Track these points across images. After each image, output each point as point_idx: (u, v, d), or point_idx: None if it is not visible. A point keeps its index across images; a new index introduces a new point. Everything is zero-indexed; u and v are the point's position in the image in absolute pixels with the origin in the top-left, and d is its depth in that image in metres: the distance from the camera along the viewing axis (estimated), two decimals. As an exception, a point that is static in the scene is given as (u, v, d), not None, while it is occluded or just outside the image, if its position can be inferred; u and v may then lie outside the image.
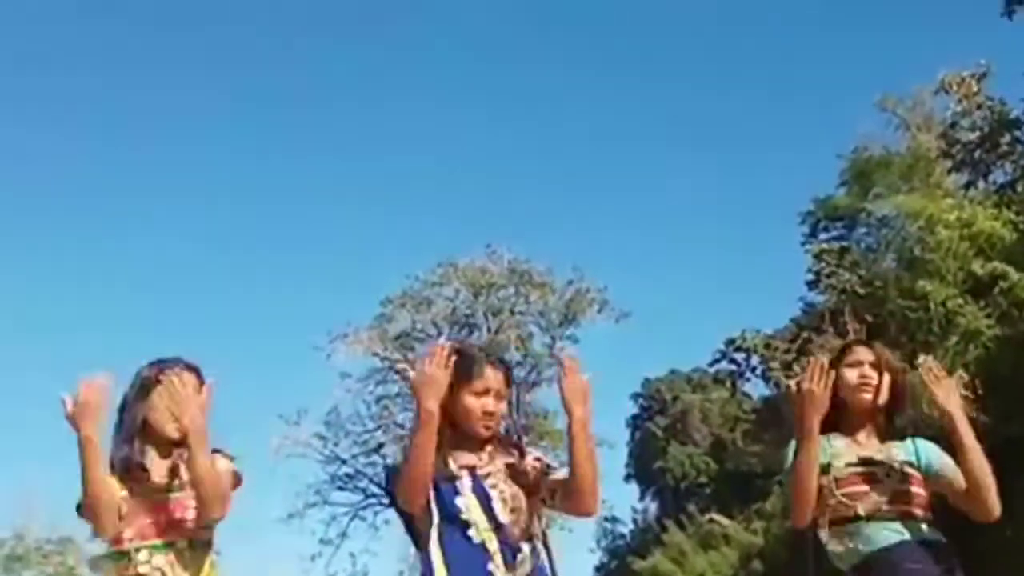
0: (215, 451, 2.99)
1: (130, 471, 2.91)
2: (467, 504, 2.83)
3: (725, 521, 25.78)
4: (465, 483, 2.86)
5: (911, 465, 3.08)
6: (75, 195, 47.78)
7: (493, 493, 2.86)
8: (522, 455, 2.98)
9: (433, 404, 2.73)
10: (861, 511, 3.00)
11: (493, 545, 2.80)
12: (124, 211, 47.85)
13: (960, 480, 3.04)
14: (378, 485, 22.49)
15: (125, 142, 46.69)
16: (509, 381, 3.02)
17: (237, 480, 3.04)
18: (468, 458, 2.90)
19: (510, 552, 2.81)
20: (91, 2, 47.00)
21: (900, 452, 3.11)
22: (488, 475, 2.89)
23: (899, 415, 3.18)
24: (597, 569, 38.27)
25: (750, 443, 28.25)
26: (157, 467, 2.97)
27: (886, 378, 3.17)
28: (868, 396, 3.16)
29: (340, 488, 22.93)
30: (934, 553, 2.98)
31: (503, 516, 2.83)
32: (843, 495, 3.03)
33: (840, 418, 3.16)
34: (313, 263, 47.68)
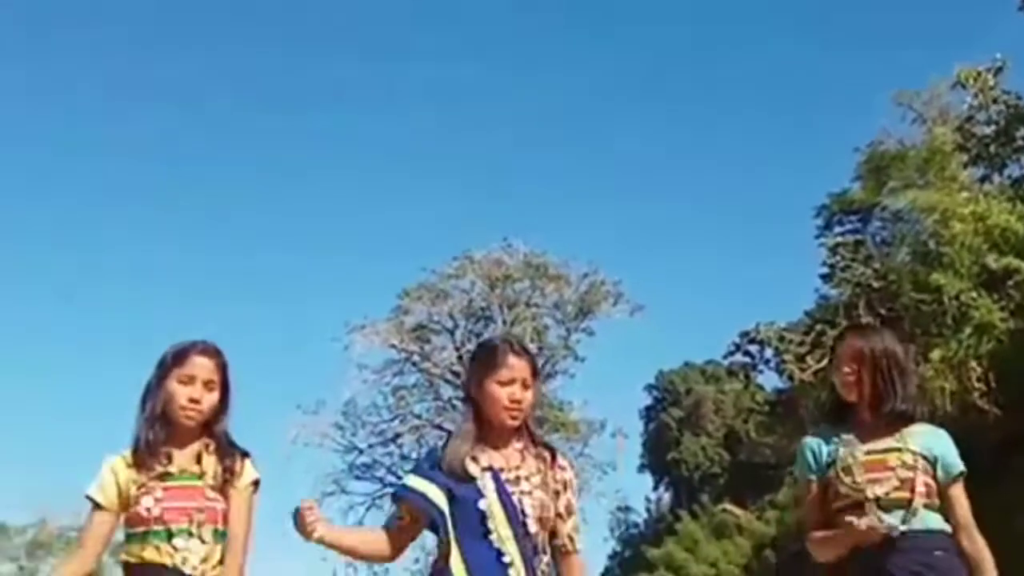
0: (244, 455, 3.05)
1: (154, 455, 2.96)
2: (490, 509, 2.75)
3: (738, 511, 25.91)
4: (488, 485, 2.78)
5: (921, 456, 3.09)
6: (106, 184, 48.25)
7: (525, 501, 2.78)
8: (553, 458, 2.92)
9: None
10: (869, 495, 3.02)
11: (514, 553, 2.73)
12: (149, 208, 48.35)
13: (959, 511, 3.09)
14: (395, 475, 22.73)
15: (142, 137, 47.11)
16: (535, 370, 2.94)
17: (255, 486, 3.08)
18: (494, 458, 2.84)
19: (530, 563, 2.75)
20: None
21: (911, 440, 3.11)
22: (518, 480, 2.81)
23: (890, 402, 3.13)
24: (611, 557, 38.50)
25: (763, 434, 28.33)
26: (179, 455, 2.99)
27: (866, 371, 3.15)
28: (851, 394, 3.18)
29: (358, 478, 23.15)
30: (933, 543, 3.00)
31: (532, 526, 2.76)
32: (852, 484, 3.06)
33: (844, 411, 3.23)
34: (332, 257, 48.12)
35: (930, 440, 3.14)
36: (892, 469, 3.05)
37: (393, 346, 22.29)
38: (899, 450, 3.08)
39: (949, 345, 13.48)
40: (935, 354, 13.30)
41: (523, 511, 2.77)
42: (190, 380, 2.97)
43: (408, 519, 2.85)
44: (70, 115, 49.65)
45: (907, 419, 3.15)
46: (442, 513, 2.75)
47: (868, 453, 3.11)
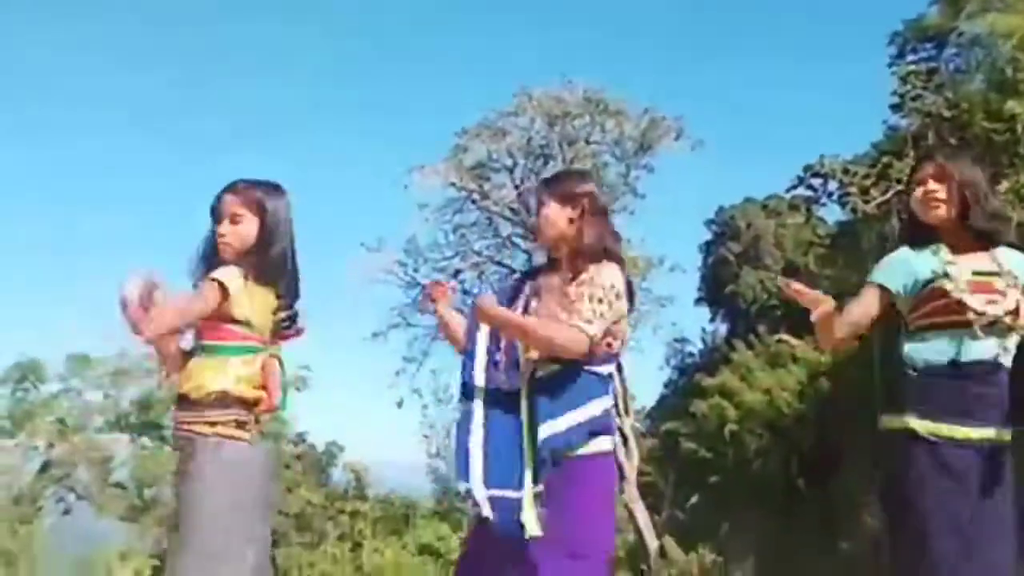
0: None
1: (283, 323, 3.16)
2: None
3: (794, 341, 26.21)
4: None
5: (1015, 276, 3.03)
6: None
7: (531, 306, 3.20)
8: (574, 276, 3.12)
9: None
10: (972, 318, 2.94)
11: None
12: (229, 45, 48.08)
13: None
14: (457, 311, 23.47)
15: None
16: None
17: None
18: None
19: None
20: None
21: (1006, 261, 3.05)
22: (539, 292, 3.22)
23: (976, 220, 3.05)
24: (666, 385, 39.65)
25: (823, 267, 28.33)
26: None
27: (953, 188, 3.05)
28: (938, 211, 3.07)
29: (421, 311, 23.93)
30: (992, 372, 2.96)
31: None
32: (962, 301, 2.96)
33: (924, 234, 3.11)
34: (390, 99, 47.86)
35: (1020, 260, 3.08)
36: (1002, 293, 2.99)
37: (452, 184, 22.44)
38: (998, 274, 3.02)
39: (1020, 176, 13.24)
40: (1004, 185, 13.08)
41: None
42: (219, 218, 3.15)
43: None
44: None
45: (993, 239, 3.08)
46: None
47: (974, 273, 3.02)
